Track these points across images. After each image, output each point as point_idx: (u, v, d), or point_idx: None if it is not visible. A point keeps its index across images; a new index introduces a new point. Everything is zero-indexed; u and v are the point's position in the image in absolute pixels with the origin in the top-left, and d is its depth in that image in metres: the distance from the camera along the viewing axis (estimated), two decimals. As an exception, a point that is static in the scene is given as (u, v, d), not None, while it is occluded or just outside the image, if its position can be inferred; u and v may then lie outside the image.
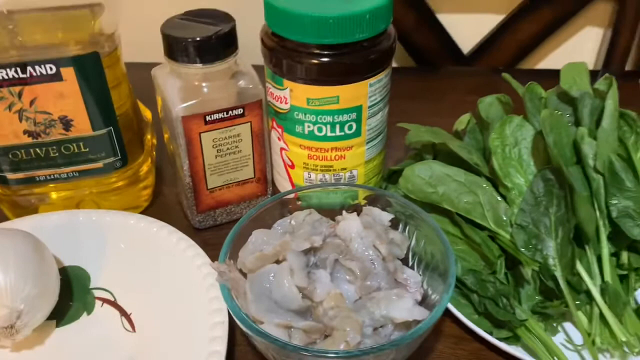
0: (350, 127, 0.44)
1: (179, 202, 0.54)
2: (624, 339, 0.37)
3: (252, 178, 0.49)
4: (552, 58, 0.82)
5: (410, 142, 0.54)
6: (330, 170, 0.46)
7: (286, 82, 0.43)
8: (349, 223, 0.39)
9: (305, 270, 0.36)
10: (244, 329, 0.33)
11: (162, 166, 0.59)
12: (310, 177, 0.47)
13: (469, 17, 0.78)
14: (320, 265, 0.38)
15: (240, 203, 0.50)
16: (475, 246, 0.43)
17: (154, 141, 0.56)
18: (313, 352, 0.32)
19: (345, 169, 0.46)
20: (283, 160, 0.47)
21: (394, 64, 0.83)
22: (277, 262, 0.37)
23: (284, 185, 0.49)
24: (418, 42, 0.78)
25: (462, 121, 0.54)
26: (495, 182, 0.44)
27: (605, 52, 0.76)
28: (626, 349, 0.38)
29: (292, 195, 0.43)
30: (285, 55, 0.42)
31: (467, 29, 0.79)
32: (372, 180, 0.49)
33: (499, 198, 0.43)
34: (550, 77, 0.51)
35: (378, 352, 0.32)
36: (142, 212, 0.53)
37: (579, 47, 0.80)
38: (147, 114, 0.56)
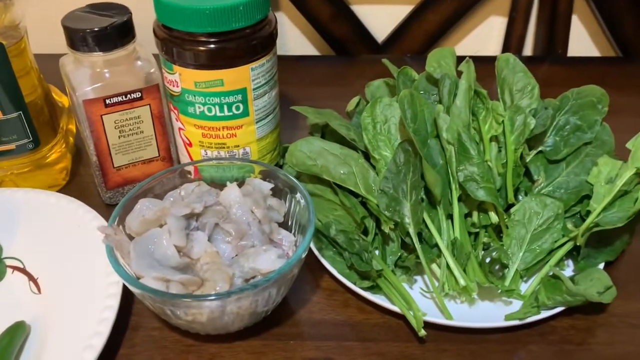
0: (237, 108, 0.49)
1: (93, 181, 0.58)
2: (463, 283, 0.43)
3: (157, 157, 0.54)
4: (461, 45, 0.88)
5: (310, 122, 0.59)
6: (224, 147, 0.51)
7: (176, 68, 0.47)
8: (229, 191, 0.44)
9: (184, 232, 0.41)
10: (123, 281, 0.38)
11: (81, 148, 0.63)
12: (206, 154, 0.52)
13: (382, 8, 0.84)
14: (201, 229, 0.43)
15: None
16: (350, 210, 0.48)
17: (71, 126, 0.60)
18: (179, 297, 0.37)
19: (238, 146, 0.51)
20: (182, 139, 0.52)
21: (316, 53, 0.89)
22: (162, 227, 0.42)
23: (186, 162, 0.54)
24: (335, 33, 0.83)
25: (352, 103, 0.59)
26: (368, 155, 0.50)
27: (503, 39, 0.83)
28: (475, 296, 0.44)
29: (188, 168, 0.48)
30: (174, 43, 0.46)
31: (381, 20, 0.84)
32: (266, 157, 0.54)
33: (369, 168, 0.49)
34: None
35: (239, 293, 0.37)
36: (59, 191, 0.57)
37: (485, 35, 0.87)
38: (63, 100, 0.60)
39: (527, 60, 0.54)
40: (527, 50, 0.85)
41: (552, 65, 0.80)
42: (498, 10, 0.84)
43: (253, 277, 0.41)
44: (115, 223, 0.42)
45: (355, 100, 0.59)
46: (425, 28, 0.83)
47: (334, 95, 0.74)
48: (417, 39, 0.84)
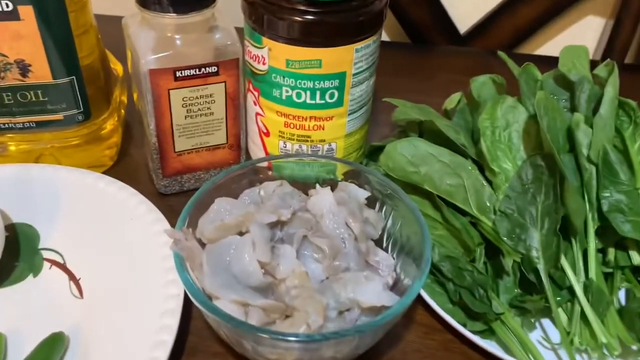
0: (332, 96, 0.41)
1: (146, 164, 0.50)
2: (604, 340, 0.35)
3: (224, 144, 0.46)
4: (550, 45, 0.79)
5: (396, 119, 0.51)
6: (307, 141, 0.43)
7: (265, 40, 0.39)
8: (321, 197, 0.36)
9: (269, 245, 0.33)
10: (196, 303, 0.30)
11: (132, 125, 0.55)
12: (285, 146, 0.43)
13: (468, -4, 0.75)
14: (287, 241, 0.35)
15: (210, 170, 0.47)
16: (455, 232, 0.40)
17: (124, 98, 0.52)
18: (268, 333, 0.29)
19: (323, 140, 0.43)
20: (258, 126, 0.44)
21: (387, 38, 0.80)
22: (240, 234, 0.34)
23: (257, 154, 0.46)
24: (413, 18, 0.75)
25: (453, 100, 0.51)
26: (481, 165, 0.41)
27: (606, 43, 0.74)
28: (605, 351, 0.36)
29: (264, 164, 0.40)
30: (267, 9, 0.38)
31: (465, 8, 0.75)
32: (352, 155, 0.46)
33: (484, 182, 0.40)
34: (548, 64, 0.48)
35: (340, 338, 0.29)
36: (105, 172, 0.49)
37: (579, 36, 0.77)
38: (118, 67, 0.52)
39: (629, 69, 0.45)
40: (630, 58, 0.76)
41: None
42: (597, 9, 0.75)
43: (347, 310, 0.33)
44: (186, 224, 0.34)
45: (456, 97, 0.51)
46: (516, 22, 0.74)
47: (414, 88, 0.65)
48: (504, 33, 0.75)
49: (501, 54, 0.47)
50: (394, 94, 0.64)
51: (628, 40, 0.72)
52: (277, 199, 0.36)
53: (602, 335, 0.35)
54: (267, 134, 0.44)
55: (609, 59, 0.43)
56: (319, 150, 0.43)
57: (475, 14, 0.75)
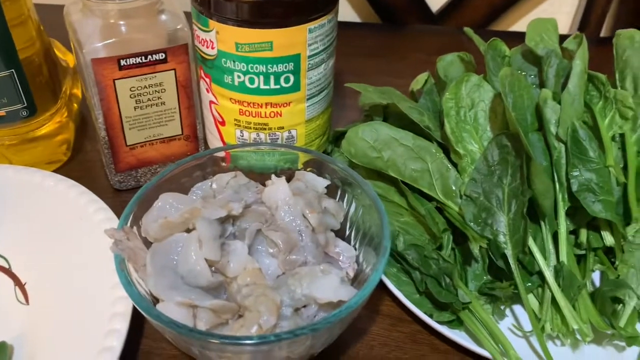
0: (287, 80, 0.38)
1: (101, 159, 0.48)
2: (575, 327, 0.33)
3: (179, 135, 0.44)
4: (525, 21, 0.77)
5: (362, 103, 0.49)
6: (265, 129, 0.41)
7: (212, 23, 0.37)
8: (276, 189, 0.34)
9: (219, 241, 0.31)
10: (138, 308, 0.28)
11: (87, 119, 0.53)
12: (242, 135, 0.41)
13: (439, -27, 0.73)
14: (239, 236, 0.33)
15: (167, 163, 0.45)
16: (421, 218, 0.38)
17: (76, 91, 0.50)
18: (212, 337, 0.27)
19: (282, 127, 0.41)
20: (213, 115, 0.42)
21: (358, 19, 0.78)
22: (189, 231, 0.32)
23: (215, 144, 0.44)
24: (385, -2, 0.72)
25: (419, 81, 0.49)
26: (447, 148, 0.40)
27: (581, 17, 0.72)
28: (578, 336, 0.34)
29: (221, 155, 0.38)
30: (212, -9, 0.36)
31: (437, -14, 0.73)
32: (314, 142, 0.44)
33: (450, 166, 0.38)
34: (522, 40, 0.46)
35: (294, 338, 0.27)
36: (59, 169, 0.47)
37: (554, 11, 0.75)
38: (68, 59, 0.50)
39: (605, 42, 0.43)
40: (605, 31, 0.74)
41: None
42: (573, -18, 0.73)
43: (305, 306, 0.31)
44: (129, 223, 0.32)
45: (423, 77, 0.48)
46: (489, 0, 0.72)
47: (386, 70, 0.63)
48: (477, 10, 0.73)
49: (467, 30, 0.45)
50: (363, 76, 0.62)
51: (603, 13, 0.70)
52: (230, 192, 0.34)
53: (573, 321, 0.33)
54: (223, 123, 0.41)
55: (577, 32, 0.41)
56: (278, 138, 0.41)
57: (447, -8, 0.73)
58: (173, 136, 0.44)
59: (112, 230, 0.30)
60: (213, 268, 0.31)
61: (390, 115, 0.45)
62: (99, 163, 0.48)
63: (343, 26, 0.75)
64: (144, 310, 0.28)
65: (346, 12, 0.76)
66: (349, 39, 0.71)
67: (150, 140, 0.43)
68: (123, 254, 0.30)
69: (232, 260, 0.31)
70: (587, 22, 0.71)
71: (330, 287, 0.30)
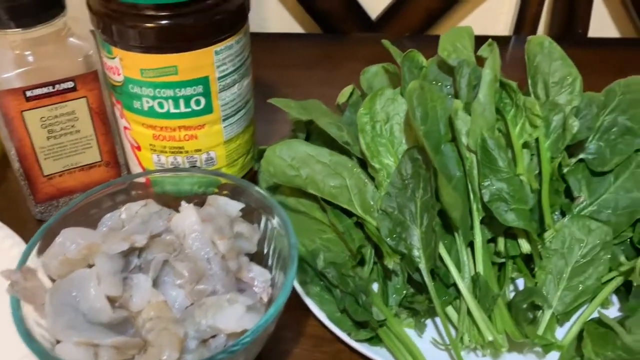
0: (197, 103, 0.38)
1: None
2: (490, 338, 0.33)
3: (99, 162, 0.43)
4: (464, 24, 0.77)
5: (292, 118, 0.49)
6: (182, 152, 0.40)
7: (116, 51, 0.36)
8: (183, 216, 0.33)
9: (120, 276, 0.30)
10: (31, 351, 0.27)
11: (12, 148, 0.51)
12: (160, 160, 0.41)
13: (377, -21, 0.73)
14: (145, 268, 0.32)
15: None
16: (341, 235, 0.38)
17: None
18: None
19: (199, 150, 0.40)
20: (129, 141, 0.41)
21: (300, 30, 0.78)
22: (91, 267, 0.31)
23: (135, 170, 0.43)
24: (322, 7, 0.72)
25: (345, 94, 0.48)
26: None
27: (516, 18, 0.73)
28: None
29: (139, 180, 0.37)
30: (112, 18, 0.35)
31: (375, -8, 0.73)
32: (238, 162, 0.43)
33: (367, 181, 0.38)
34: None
35: (193, 373, 0.27)
36: (-19, 202, 0.46)
37: (493, 12, 0.76)
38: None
39: None
40: (541, 30, 0.75)
41: (571, 48, 0.69)
42: (509, -17, 0.73)
43: (214, 336, 0.31)
44: (33, 260, 0.31)
45: (348, 90, 0.48)
46: (426, 4, 0.72)
47: (322, 80, 0.63)
48: (416, 16, 0.73)
49: (384, 41, 0.45)
50: (299, 87, 0.62)
51: (537, 13, 0.71)
52: (137, 223, 0.34)
53: (488, 332, 0.33)
54: (139, 148, 0.41)
55: (490, 40, 0.41)
56: (196, 161, 0.41)
57: (385, -2, 0.73)
58: (92, 163, 0.43)
59: (8, 272, 0.30)
60: (117, 304, 0.30)
61: (316, 132, 0.45)
62: (21, 193, 0.47)
63: (282, 38, 0.75)
64: (37, 353, 0.27)
65: (288, 24, 0.76)
66: (288, 50, 0.71)
67: (69, 169, 0.42)
68: (19, 295, 0.29)
69: (135, 295, 0.30)
70: (523, 22, 0.72)
71: (234, 317, 0.30)
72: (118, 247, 0.30)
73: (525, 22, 0.72)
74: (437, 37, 0.72)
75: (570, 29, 0.72)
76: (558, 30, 0.72)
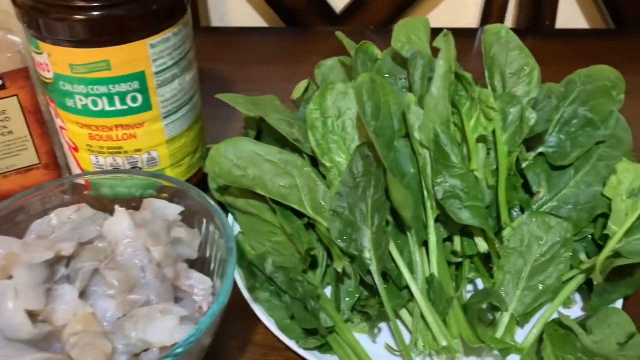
0: (134, 99, 0.36)
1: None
2: (444, 343, 0.31)
3: (37, 164, 0.41)
4: (432, 16, 0.76)
5: (243, 115, 0.46)
6: (120, 153, 0.38)
7: (43, 46, 0.34)
8: (115, 222, 0.31)
9: (42, 288, 0.28)
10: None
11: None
12: (98, 161, 0.38)
13: (340, -29, 0.71)
14: (72, 278, 0.30)
15: (27, 194, 0.42)
16: (290, 237, 0.36)
17: None
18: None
19: (139, 150, 0.38)
20: (66, 141, 0.39)
21: (264, 24, 0.75)
22: (10, 277, 0.29)
23: (76, 171, 0.41)
24: (286, 1, 0.70)
25: (299, 88, 0.46)
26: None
27: (482, 9, 0.71)
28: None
29: (80, 180, 0.35)
30: (38, 10, 0.33)
31: (339, -15, 0.71)
32: (183, 162, 0.41)
33: (318, 180, 0.36)
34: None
35: (118, 391, 0.25)
36: None
37: (461, 4, 0.74)
38: None
39: None
40: (509, 21, 0.74)
41: (538, 38, 0.68)
42: (475, -26, 0.72)
43: (145, 350, 0.28)
44: (-59, 276, 0.29)
45: (303, 84, 0.46)
46: (392, -4, 0.70)
47: (282, 76, 0.60)
48: (381, 8, 0.71)
49: (338, 33, 0.44)
50: (257, 83, 0.60)
51: (504, 3, 0.70)
52: (66, 229, 0.31)
53: (442, 337, 0.31)
54: (76, 149, 0.38)
55: (445, 30, 0.40)
56: (137, 162, 0.39)
57: (349, -9, 0.71)
58: (29, 166, 0.40)
59: None
60: (39, 317, 0.28)
61: (266, 129, 0.43)
62: (-41, 199, 0.44)
63: (243, 32, 0.73)
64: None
65: (251, 17, 0.73)
66: (248, 45, 0.69)
67: (4, 172, 0.40)
68: None
69: (58, 307, 0.28)
70: (490, 13, 0.70)
71: (165, 329, 0.28)
72: (40, 257, 0.28)
73: (491, 13, 0.70)
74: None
75: (537, 20, 0.71)
76: (525, 22, 0.71)
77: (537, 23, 0.71)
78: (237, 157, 0.37)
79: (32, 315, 0.28)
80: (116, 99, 0.35)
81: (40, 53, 0.34)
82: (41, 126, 0.39)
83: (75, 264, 0.30)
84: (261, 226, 0.38)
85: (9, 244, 0.30)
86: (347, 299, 0.35)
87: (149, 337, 0.27)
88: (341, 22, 0.72)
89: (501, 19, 0.71)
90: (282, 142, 0.39)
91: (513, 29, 0.39)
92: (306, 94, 0.46)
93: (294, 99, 0.47)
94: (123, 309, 0.29)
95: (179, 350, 0.26)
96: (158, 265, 0.31)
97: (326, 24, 0.72)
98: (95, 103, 0.35)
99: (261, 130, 0.43)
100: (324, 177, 0.37)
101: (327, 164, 0.36)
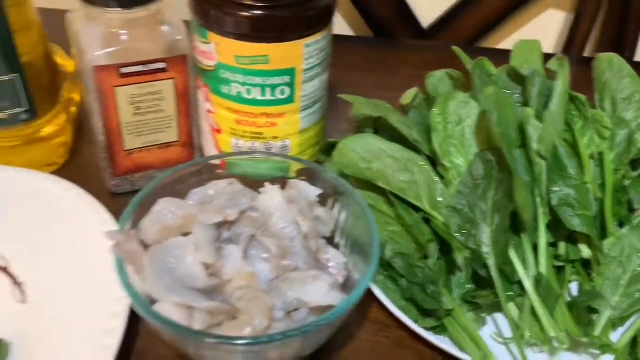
0: (282, 92, 0.40)
1: (98, 163, 0.49)
2: (553, 334, 0.35)
3: (176, 141, 0.45)
4: (513, 39, 0.79)
5: (354, 116, 0.50)
6: (260, 138, 0.42)
7: (212, 36, 0.38)
8: (270, 196, 0.35)
9: (214, 245, 0.32)
10: (138, 310, 0.29)
11: (85, 123, 0.54)
12: (238, 144, 0.43)
13: (431, -11, 0.75)
14: (234, 241, 0.34)
15: (163, 168, 0.46)
16: (409, 228, 0.40)
17: (75, 95, 0.51)
18: (207, 337, 0.28)
19: (276, 137, 0.42)
20: (210, 124, 0.43)
21: (351, 33, 0.80)
22: (186, 235, 0.33)
23: (210, 152, 0.45)
24: (377, 12, 0.74)
25: (409, 96, 0.50)
26: (435, 161, 0.41)
27: (567, 37, 0.74)
28: (556, 344, 0.36)
29: (217, 162, 0.39)
30: (213, 5, 0.37)
31: (428, 2, 0.75)
32: (307, 152, 0.45)
33: (436, 178, 0.40)
34: (509, 58, 0.48)
35: (285, 339, 0.29)
36: (57, 171, 0.48)
37: (542, 29, 0.78)
38: (67, 65, 0.51)
39: (587, 62, 0.46)
40: (588, 52, 0.77)
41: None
42: (559, 3, 0.75)
43: (296, 309, 0.32)
44: (129, 226, 0.33)
45: (412, 92, 0.50)
46: (479, 16, 0.74)
47: (379, 83, 0.65)
48: (467, 27, 0.75)
49: (455, 48, 0.47)
50: (355, 88, 0.64)
51: (587, 33, 0.73)
52: (225, 199, 0.36)
53: (551, 330, 0.35)
54: (219, 131, 0.43)
55: (559, 54, 0.43)
56: (272, 148, 0.43)
57: (438, 8, 0.75)
58: (170, 142, 0.45)
59: (113, 233, 0.32)
60: (209, 272, 0.32)
61: (381, 128, 0.46)
62: (95, 167, 0.49)
63: (337, 40, 0.77)
64: (144, 309, 0.29)
65: (340, 26, 0.78)
66: (343, 52, 0.73)
67: (148, 146, 0.44)
68: (122, 255, 0.31)
69: (227, 264, 0.32)
70: (573, 41, 0.74)
71: (320, 292, 0.31)
72: (214, 219, 0.32)
73: (574, 41, 0.73)
74: (486, 49, 0.75)
75: (617, 51, 0.73)
76: (605, 52, 0.74)
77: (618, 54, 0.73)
78: (364, 151, 0.41)
79: (205, 268, 0.32)
80: (267, 90, 0.39)
81: (208, 43, 0.39)
82: (187, 108, 0.44)
83: (236, 229, 0.34)
84: (378, 216, 0.42)
85: (186, 206, 0.34)
86: (457, 289, 0.38)
87: (305, 297, 0.31)
88: (427, 37, 0.76)
89: (582, 47, 0.74)
90: (396, 141, 0.43)
91: (590, 58, 0.42)
92: (415, 101, 0.50)
93: (403, 105, 0.51)
94: (276, 272, 0.34)
95: (337, 313, 0.29)
96: (305, 237, 0.35)
97: (412, 37, 0.76)
98: (249, 92, 0.39)
99: (377, 130, 0.47)
100: (441, 176, 0.41)
101: (447, 165, 0.40)
